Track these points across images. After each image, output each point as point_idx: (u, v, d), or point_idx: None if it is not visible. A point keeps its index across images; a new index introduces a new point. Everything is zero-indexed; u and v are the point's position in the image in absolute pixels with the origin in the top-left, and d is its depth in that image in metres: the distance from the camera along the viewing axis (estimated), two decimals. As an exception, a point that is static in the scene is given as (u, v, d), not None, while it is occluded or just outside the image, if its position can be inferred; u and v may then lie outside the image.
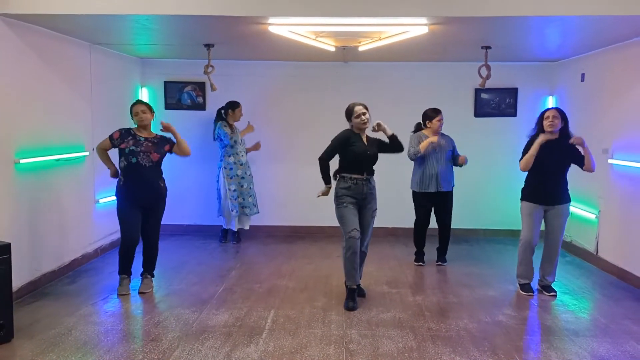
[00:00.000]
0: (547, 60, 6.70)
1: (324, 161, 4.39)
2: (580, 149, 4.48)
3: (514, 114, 6.89)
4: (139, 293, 4.61)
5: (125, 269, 4.62)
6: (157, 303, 4.43)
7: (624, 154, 5.21)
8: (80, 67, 5.44)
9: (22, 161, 4.41)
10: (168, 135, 4.61)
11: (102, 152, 4.57)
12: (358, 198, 4.34)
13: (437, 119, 5.42)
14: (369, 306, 4.37)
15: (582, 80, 6.08)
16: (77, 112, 5.39)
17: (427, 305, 4.41)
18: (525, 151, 4.59)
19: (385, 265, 5.63)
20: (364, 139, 4.40)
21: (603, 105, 5.63)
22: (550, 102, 6.82)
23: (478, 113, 6.94)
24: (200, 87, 6.97)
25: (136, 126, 4.54)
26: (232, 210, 6.37)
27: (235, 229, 6.53)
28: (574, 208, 6.04)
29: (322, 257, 5.96)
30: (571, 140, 4.43)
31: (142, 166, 4.42)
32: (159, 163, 4.54)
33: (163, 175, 4.63)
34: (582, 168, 4.54)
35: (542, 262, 4.73)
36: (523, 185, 4.70)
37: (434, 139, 5.34)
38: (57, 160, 4.94)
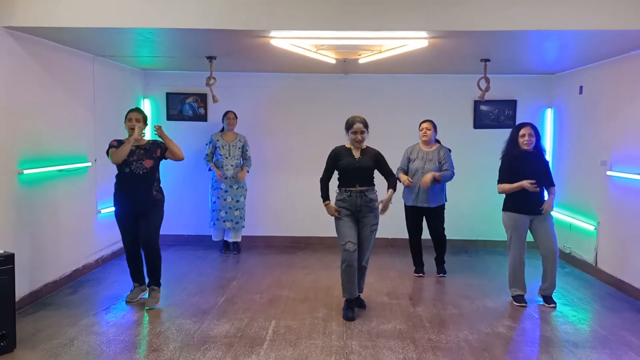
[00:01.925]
0: (546, 73, 6.76)
1: (322, 181, 4.51)
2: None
3: (513, 126, 6.91)
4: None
5: (134, 276, 4.75)
6: (159, 313, 4.44)
7: (622, 166, 5.25)
8: (83, 79, 5.49)
9: (25, 172, 4.44)
10: (160, 139, 4.56)
11: (115, 152, 4.42)
12: (352, 210, 4.37)
13: (420, 127, 5.54)
14: (370, 317, 4.39)
15: (581, 92, 6.13)
16: (80, 123, 5.43)
17: (427, 316, 4.43)
18: (502, 172, 4.75)
19: (385, 276, 5.64)
20: (356, 152, 4.44)
21: (601, 118, 5.68)
22: (549, 114, 6.88)
23: (477, 125, 6.99)
24: (202, 98, 7.03)
25: (128, 135, 4.51)
26: (210, 221, 6.44)
27: (230, 240, 6.56)
28: (573, 219, 6.08)
29: (322, 267, 5.98)
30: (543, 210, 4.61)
31: (135, 174, 4.43)
32: (153, 170, 4.51)
33: (160, 184, 4.61)
34: (545, 187, 4.72)
35: (543, 272, 4.75)
36: (505, 196, 4.78)
37: (405, 180, 5.36)
38: (60, 171, 4.98)
